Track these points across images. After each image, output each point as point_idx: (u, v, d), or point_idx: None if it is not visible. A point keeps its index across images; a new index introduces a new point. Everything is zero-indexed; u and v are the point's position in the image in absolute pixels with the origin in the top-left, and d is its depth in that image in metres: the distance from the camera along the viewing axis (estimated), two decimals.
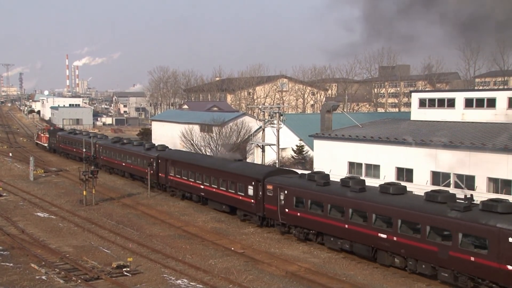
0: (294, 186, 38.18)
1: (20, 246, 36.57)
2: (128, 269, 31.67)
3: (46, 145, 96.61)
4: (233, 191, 44.09)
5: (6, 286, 29.16)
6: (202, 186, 48.38)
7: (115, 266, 31.94)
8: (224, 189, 45.29)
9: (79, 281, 29.75)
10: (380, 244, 31.95)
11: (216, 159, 50.44)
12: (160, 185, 56.25)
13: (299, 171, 45.41)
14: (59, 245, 37.37)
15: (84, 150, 68.57)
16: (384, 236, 31.54)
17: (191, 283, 29.74)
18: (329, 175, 38.59)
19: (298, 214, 37.42)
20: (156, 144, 63.31)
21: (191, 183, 50.09)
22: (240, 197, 43.26)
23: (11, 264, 32.86)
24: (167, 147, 60.61)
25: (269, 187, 39.85)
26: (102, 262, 33.34)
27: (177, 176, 52.67)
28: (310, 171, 39.48)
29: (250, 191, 41.92)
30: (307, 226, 37.19)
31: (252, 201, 41.72)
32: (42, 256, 34.29)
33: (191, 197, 51.04)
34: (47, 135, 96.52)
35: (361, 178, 38.22)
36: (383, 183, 35.30)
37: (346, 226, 33.93)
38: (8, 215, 46.29)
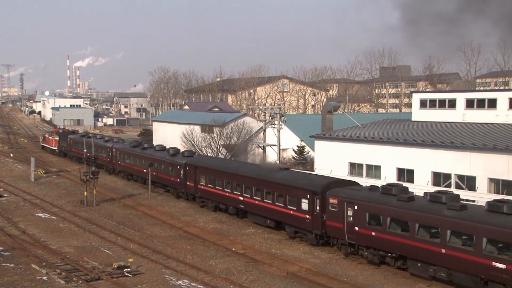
0: (367, 200, 32.83)
1: (21, 246, 36.58)
2: (129, 269, 31.65)
3: (55, 148, 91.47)
4: (281, 205, 38.95)
5: (7, 287, 29.16)
6: (241, 198, 43.33)
7: (116, 266, 31.94)
8: (270, 201, 40.21)
9: (80, 281, 29.74)
10: (495, 276, 26.38)
11: (257, 167, 45.17)
12: (188, 195, 51.63)
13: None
14: (60, 245, 37.37)
15: (101, 155, 65.59)
16: (501, 266, 26.01)
17: (192, 283, 29.73)
18: (407, 187, 33.92)
19: (373, 233, 32.13)
20: (182, 150, 58.60)
21: (227, 194, 45.18)
22: (291, 212, 38.04)
23: (12, 265, 32.87)
24: (195, 152, 56.96)
25: (333, 201, 34.62)
26: (103, 262, 33.34)
27: (209, 185, 47.84)
28: (386, 184, 33.59)
29: (304, 205, 36.78)
30: (384, 248, 31.83)
31: (307, 216, 36.47)
32: (43, 256, 34.29)
33: (226, 209, 46.02)
34: (56, 138, 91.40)
35: (453, 192, 32.12)
36: (493, 199, 29.60)
37: (443, 250, 28.43)
38: (9, 215, 46.30)
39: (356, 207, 33.19)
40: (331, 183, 36.65)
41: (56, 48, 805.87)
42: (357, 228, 33.15)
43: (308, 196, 36.51)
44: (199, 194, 49.46)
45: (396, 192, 31.98)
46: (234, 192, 44.20)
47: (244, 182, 43.17)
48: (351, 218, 33.48)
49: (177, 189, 53.02)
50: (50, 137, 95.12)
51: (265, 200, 40.74)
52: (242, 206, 43.49)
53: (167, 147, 59.74)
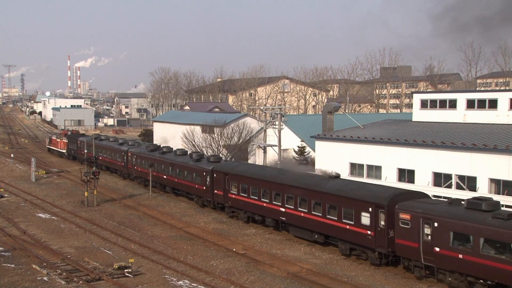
0: (450, 217, 28.83)
1: (21, 247, 36.60)
2: (130, 270, 31.67)
3: (63, 151, 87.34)
4: (334, 218, 35.01)
5: (7, 287, 29.17)
6: (282, 209, 39.06)
7: (116, 267, 31.95)
8: (319, 214, 36.12)
9: (81, 282, 29.76)
10: None
11: (302, 175, 40.29)
12: (215, 204, 47.57)
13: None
14: (60, 246, 37.39)
15: (116, 159, 63.07)
16: None
17: (192, 284, 29.73)
18: (499, 202, 30.07)
19: (460, 256, 28.13)
20: (206, 154, 55.29)
21: (265, 205, 40.93)
22: (347, 226, 34.11)
23: (13, 265, 32.89)
24: (221, 158, 52.30)
25: (405, 216, 30.58)
26: (103, 263, 33.36)
27: (241, 194, 43.57)
28: (471, 198, 29.64)
29: (365, 219, 32.86)
30: (475, 274, 27.79)
31: (369, 232, 32.60)
32: (43, 257, 34.32)
33: (262, 221, 41.87)
34: (65, 140, 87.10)
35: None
36: None
37: None
38: (9, 216, 46.34)
39: (436, 224, 29.28)
40: (398, 194, 32.53)
41: (57, 48, 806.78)
42: (437, 249, 29.26)
43: (371, 209, 32.53)
44: (229, 203, 45.13)
45: (488, 207, 28.29)
46: (274, 202, 39.94)
47: (286, 191, 38.88)
48: (429, 237, 29.54)
49: (202, 197, 49.21)
50: (58, 139, 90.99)
51: (313, 213, 36.48)
52: (284, 218, 39.06)
53: (190, 151, 56.71)
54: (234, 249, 36.60)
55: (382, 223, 31.88)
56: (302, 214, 37.41)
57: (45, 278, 30.53)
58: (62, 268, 31.94)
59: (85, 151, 74.84)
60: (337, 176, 38.47)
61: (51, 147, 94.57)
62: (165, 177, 55.30)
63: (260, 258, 34.69)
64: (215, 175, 46.87)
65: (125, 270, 31.55)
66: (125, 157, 64.36)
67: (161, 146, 62.39)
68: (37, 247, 36.79)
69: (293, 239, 39.01)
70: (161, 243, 38.16)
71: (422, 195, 33.25)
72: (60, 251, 35.82)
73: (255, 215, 42.53)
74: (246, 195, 43.05)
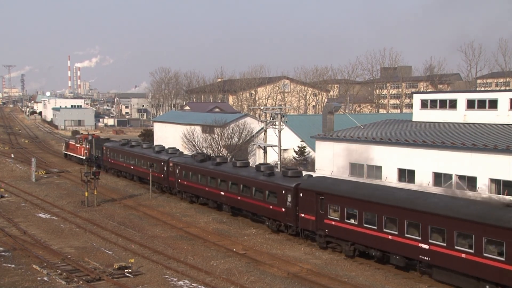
0: None
1: (21, 247, 36.59)
2: (130, 270, 31.66)
3: (84, 158, 76.75)
4: None
5: (7, 287, 29.18)
6: (424, 246, 29.71)
7: (116, 267, 31.94)
8: (499, 258, 26.30)
9: (81, 282, 29.75)
10: None
11: (455, 201, 30.23)
12: (301, 231, 38.23)
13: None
14: (60, 246, 37.39)
15: (151, 170, 55.49)
16: None
17: (193, 284, 29.73)
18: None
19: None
20: (273, 165, 47.23)
21: (390, 237, 31.61)
22: None
23: (13, 265, 32.88)
24: (301, 171, 42.19)
25: None
26: (103, 263, 33.35)
27: (348, 221, 34.31)
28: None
29: None
30: None
31: None
32: (43, 257, 34.30)
33: (382, 258, 32.85)
34: (86, 146, 77.73)
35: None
36: None
37: None
38: (10, 216, 46.33)
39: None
40: None
41: (61, 48, 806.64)
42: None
43: None
44: (325, 231, 35.93)
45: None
46: (407, 235, 30.68)
47: (431, 222, 29.41)
48: None
49: (280, 221, 39.89)
50: (78, 145, 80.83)
51: (484, 255, 26.78)
52: (428, 258, 29.68)
53: (257, 163, 48.85)
54: (234, 249, 36.60)
55: None
56: (464, 256, 27.71)
57: (45, 278, 30.52)
58: (62, 268, 31.93)
59: (112, 159, 68.72)
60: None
61: (69, 153, 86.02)
62: (222, 193, 46.26)
63: (260, 258, 34.68)
64: (301, 194, 37.58)
65: (125, 270, 31.55)
66: (165, 168, 55.37)
67: (211, 155, 55.13)
68: (37, 247, 36.79)
69: (294, 239, 39.01)
70: (161, 243, 38.16)
71: None
72: (60, 251, 35.82)
73: (371, 250, 33.10)
74: (356, 223, 33.60)
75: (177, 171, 53.16)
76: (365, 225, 33.04)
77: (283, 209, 39.00)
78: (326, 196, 35.78)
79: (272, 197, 40.33)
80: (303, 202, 37.43)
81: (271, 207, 40.28)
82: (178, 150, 60.16)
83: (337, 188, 36.00)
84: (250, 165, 48.11)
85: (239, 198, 44.03)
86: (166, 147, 61.23)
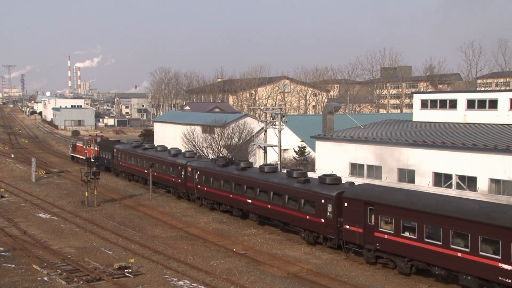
0: None
1: (22, 247, 36.59)
2: (130, 270, 31.67)
3: (93, 160, 71.51)
4: None
5: (7, 287, 29.18)
6: (507, 266, 25.84)
7: (117, 267, 31.95)
8: None
9: (81, 282, 29.75)
10: None
11: None
12: (344, 243, 34.65)
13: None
14: (60, 246, 37.39)
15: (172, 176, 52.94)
16: None
17: (193, 284, 29.73)
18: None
19: None
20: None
21: (459, 255, 27.92)
22: None
23: (13, 265, 32.88)
24: (340, 177, 38.00)
25: None
26: (104, 263, 33.36)
27: (405, 234, 30.60)
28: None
29: None
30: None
31: None
32: (44, 257, 34.31)
33: (448, 278, 29.53)
34: (96, 148, 75.06)
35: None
36: None
37: None
38: (10, 216, 46.34)
39: None
40: None
41: (63, 48, 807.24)
42: None
43: None
44: (376, 246, 32.41)
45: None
46: (482, 253, 26.84)
47: None
48: None
49: (318, 232, 36.65)
50: (86, 147, 77.42)
51: None
52: (511, 281, 25.72)
53: (286, 169, 45.28)
54: (234, 249, 36.60)
55: None
56: None
57: (45, 278, 30.52)
58: (62, 268, 31.93)
59: (123, 162, 65.51)
60: None
61: (76, 155, 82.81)
62: (249, 201, 42.85)
63: (261, 258, 34.68)
64: (345, 203, 34.21)
65: (126, 270, 31.55)
66: (182, 172, 52.04)
67: (235, 159, 51.74)
68: (37, 247, 36.79)
69: (294, 239, 38.95)
70: (162, 243, 38.15)
71: None
72: (61, 251, 35.82)
73: (434, 267, 29.62)
74: (415, 237, 30.07)
75: (196, 176, 49.80)
76: (426, 240, 29.43)
77: (323, 220, 35.65)
78: (377, 206, 32.12)
79: (308, 206, 36.99)
80: (348, 213, 33.87)
81: (307, 217, 36.85)
82: (195, 153, 57.45)
83: (390, 197, 32.20)
84: (278, 170, 45.37)
85: (269, 206, 40.66)
86: (183, 150, 58.53)
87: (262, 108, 65.87)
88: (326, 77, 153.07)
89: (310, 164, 62.52)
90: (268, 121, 55.55)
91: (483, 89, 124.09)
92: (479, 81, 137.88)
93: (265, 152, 57.65)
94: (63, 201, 53.39)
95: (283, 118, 54.01)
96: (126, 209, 50.10)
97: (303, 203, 37.40)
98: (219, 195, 46.74)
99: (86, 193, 50.70)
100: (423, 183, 44.06)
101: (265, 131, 57.24)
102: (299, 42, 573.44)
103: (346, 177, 44.76)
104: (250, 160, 51.35)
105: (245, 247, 37.35)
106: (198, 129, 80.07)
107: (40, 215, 47.44)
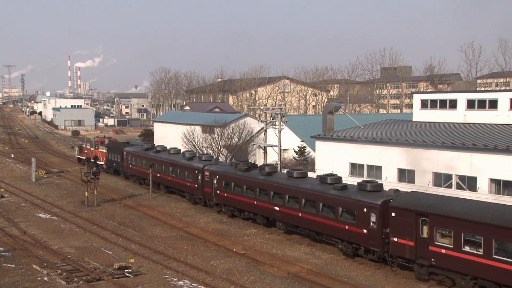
0: None
1: (22, 247, 36.59)
2: (130, 270, 31.67)
3: (101, 163, 70.11)
4: None
5: (7, 287, 29.18)
6: None
7: (117, 267, 31.95)
8: None
9: (81, 282, 29.76)
10: None
11: None
12: (392, 257, 31.51)
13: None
14: (60, 246, 37.39)
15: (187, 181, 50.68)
16: None
17: (193, 284, 29.73)
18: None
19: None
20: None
21: None
22: None
23: (13, 265, 32.88)
24: (381, 184, 35.18)
25: None
26: (104, 263, 33.36)
27: (469, 250, 27.40)
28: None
29: None
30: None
31: None
32: (44, 257, 34.31)
33: None
34: (103, 150, 72.55)
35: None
36: None
37: None
38: (10, 216, 46.34)
39: None
40: None
41: (63, 47, 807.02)
42: None
43: None
44: (431, 261, 29.15)
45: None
46: None
47: None
48: None
49: (359, 244, 33.64)
50: (93, 149, 74.25)
51: None
52: None
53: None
54: (234, 249, 36.60)
55: None
56: None
57: (45, 278, 30.53)
58: (62, 268, 31.94)
59: (134, 165, 62.80)
60: None
61: (83, 157, 75.87)
62: (277, 208, 40.16)
63: (261, 258, 34.68)
64: (393, 213, 30.95)
65: (126, 270, 31.56)
66: (199, 177, 49.22)
67: (255, 162, 49.19)
68: (37, 247, 36.79)
69: (294, 239, 38.94)
70: (162, 243, 38.16)
71: None
72: (61, 251, 35.82)
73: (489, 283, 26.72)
74: (480, 253, 26.82)
75: (215, 181, 46.93)
76: (495, 256, 25.99)
77: (365, 231, 32.70)
78: (432, 217, 28.83)
79: (347, 215, 34.26)
80: (396, 224, 30.63)
81: (346, 227, 34.02)
82: (212, 156, 54.69)
83: (447, 207, 28.89)
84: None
85: (300, 214, 37.85)
86: (198, 154, 56.44)
87: (262, 108, 65.89)
88: (326, 77, 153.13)
89: (310, 164, 62.53)
90: (268, 121, 55.58)
91: (483, 89, 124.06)
92: (479, 81, 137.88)
93: (265, 152, 57.68)
94: (63, 201, 53.39)
95: (283, 118, 54.04)
96: (126, 209, 50.10)
97: (340, 212, 34.64)
98: (241, 201, 43.93)
99: (86, 193, 50.71)
100: (423, 183, 44.06)
101: (265, 131, 57.27)
102: (299, 42, 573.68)
103: (346, 177, 44.74)
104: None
105: (245, 247, 37.35)
106: (198, 129, 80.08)
107: (40, 215, 47.45)
